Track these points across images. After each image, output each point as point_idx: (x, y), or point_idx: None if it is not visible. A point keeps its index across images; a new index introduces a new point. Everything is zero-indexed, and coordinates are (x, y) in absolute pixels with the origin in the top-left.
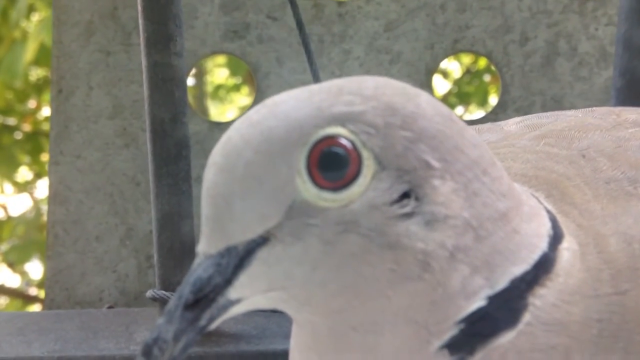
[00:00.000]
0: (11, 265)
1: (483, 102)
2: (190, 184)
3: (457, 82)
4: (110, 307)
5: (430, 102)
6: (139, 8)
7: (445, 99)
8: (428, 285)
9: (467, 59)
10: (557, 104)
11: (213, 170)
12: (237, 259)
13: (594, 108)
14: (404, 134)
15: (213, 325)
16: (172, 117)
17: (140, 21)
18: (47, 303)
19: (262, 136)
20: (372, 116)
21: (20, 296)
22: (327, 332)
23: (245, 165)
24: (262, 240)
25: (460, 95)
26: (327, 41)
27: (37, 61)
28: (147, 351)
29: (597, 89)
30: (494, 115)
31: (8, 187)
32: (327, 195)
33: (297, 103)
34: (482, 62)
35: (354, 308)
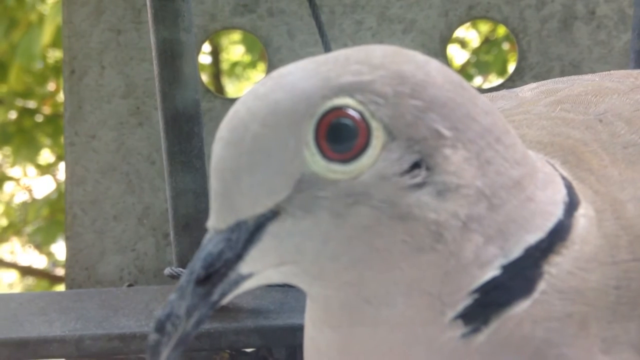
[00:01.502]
0: (38, 246)
1: (502, 71)
2: (204, 161)
3: (475, 51)
4: (130, 286)
5: (440, 70)
6: None
7: (464, 69)
8: (441, 256)
9: (485, 27)
10: (575, 69)
11: (220, 145)
12: (248, 234)
13: (612, 72)
14: (414, 102)
15: (225, 301)
16: (182, 94)
17: None
18: (68, 283)
19: (268, 109)
20: (380, 85)
21: (46, 277)
22: (340, 306)
23: (252, 138)
24: (272, 215)
25: (479, 64)
26: (338, 12)
27: (55, 43)
28: (161, 327)
29: (616, 52)
30: (512, 83)
31: (32, 170)
32: (336, 167)
33: (303, 74)
34: (501, 30)
35: (367, 281)
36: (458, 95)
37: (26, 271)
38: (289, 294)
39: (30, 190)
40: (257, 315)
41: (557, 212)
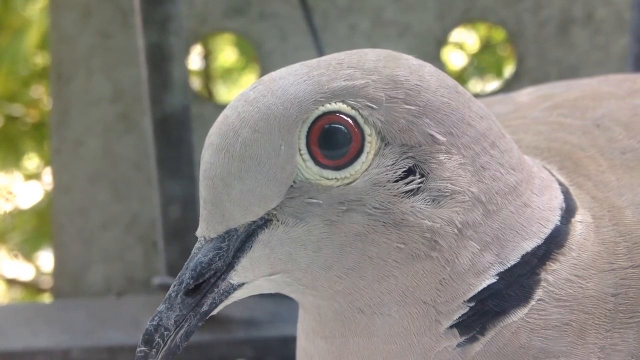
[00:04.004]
0: (24, 256)
1: (500, 75)
2: (193, 168)
3: (473, 55)
4: (118, 295)
5: (434, 74)
6: None
7: (461, 72)
8: (436, 263)
9: (483, 30)
10: (573, 73)
11: (210, 151)
12: (238, 242)
13: (609, 76)
14: (408, 107)
15: (215, 311)
16: (171, 99)
17: (136, 1)
18: (54, 293)
19: (259, 114)
20: (373, 90)
21: (32, 287)
22: (333, 315)
23: (243, 144)
24: (264, 222)
25: (477, 68)
26: (332, 15)
27: (42, 48)
28: (149, 339)
29: (614, 57)
30: (509, 87)
31: (19, 177)
32: (329, 173)
33: (295, 79)
34: (499, 34)
35: (360, 290)
36: (452, 99)
37: (12, 282)
38: (281, 305)
39: (15, 198)
40: (249, 326)
41: (554, 219)
